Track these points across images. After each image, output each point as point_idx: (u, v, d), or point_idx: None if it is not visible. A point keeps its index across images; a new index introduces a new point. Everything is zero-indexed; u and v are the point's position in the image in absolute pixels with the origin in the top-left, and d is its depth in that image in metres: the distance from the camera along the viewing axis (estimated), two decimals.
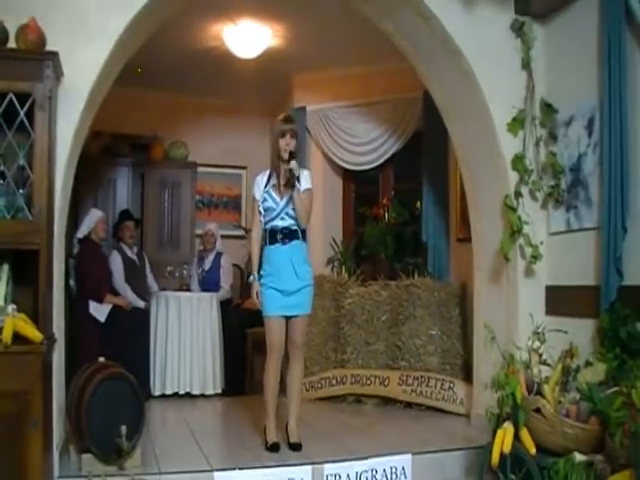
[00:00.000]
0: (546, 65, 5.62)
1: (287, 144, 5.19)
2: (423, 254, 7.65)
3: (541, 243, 5.44)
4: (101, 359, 4.98)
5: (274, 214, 5.20)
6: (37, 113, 4.07)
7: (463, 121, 5.98)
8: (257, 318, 5.34)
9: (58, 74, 4.37)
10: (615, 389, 4.12)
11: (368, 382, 7.00)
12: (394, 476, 4.95)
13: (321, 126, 8.79)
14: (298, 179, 5.17)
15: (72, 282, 7.35)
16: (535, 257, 5.41)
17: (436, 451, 5.18)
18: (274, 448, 5.10)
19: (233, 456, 5.07)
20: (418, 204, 8.07)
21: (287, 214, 5.20)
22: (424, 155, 7.71)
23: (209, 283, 8.34)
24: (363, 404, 7.08)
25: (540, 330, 4.65)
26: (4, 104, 4.02)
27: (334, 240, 8.55)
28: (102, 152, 9.00)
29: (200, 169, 9.70)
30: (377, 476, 4.91)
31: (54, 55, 4.18)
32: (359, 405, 7.08)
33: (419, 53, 5.94)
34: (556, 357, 4.60)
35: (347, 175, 9.06)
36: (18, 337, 3.83)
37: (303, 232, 5.28)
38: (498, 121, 5.57)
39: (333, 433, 5.82)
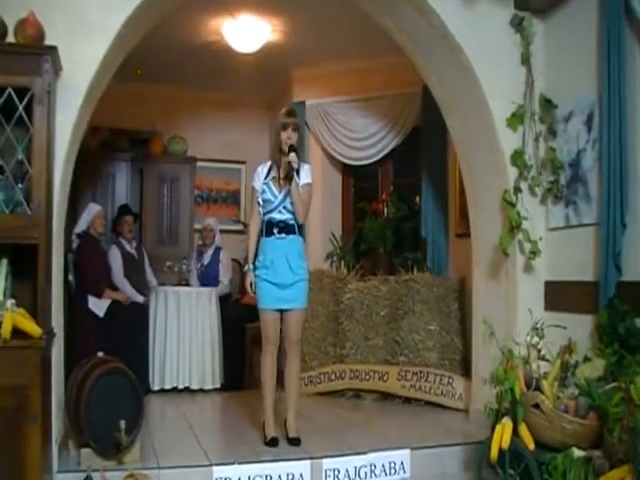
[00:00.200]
0: (545, 61, 5.62)
1: (289, 137, 5.18)
2: (422, 249, 7.65)
3: (540, 239, 5.44)
4: (100, 354, 4.98)
5: (272, 207, 5.21)
6: (36, 108, 4.06)
7: (462, 116, 5.98)
8: (256, 313, 5.33)
9: (57, 69, 4.37)
10: (614, 385, 4.12)
11: (367, 377, 7.00)
12: (393, 471, 4.96)
13: (320, 121, 8.79)
14: (297, 172, 5.17)
15: (71, 277, 7.35)
16: (534, 252, 5.41)
17: (435, 446, 5.19)
18: (273, 443, 5.11)
19: (232, 451, 5.07)
20: (417, 199, 8.07)
21: (285, 208, 5.20)
22: (423, 150, 7.70)
23: (208, 278, 8.34)
24: (362, 399, 7.08)
25: (539, 325, 4.64)
26: (3, 98, 4.01)
27: (333, 235, 8.55)
28: (101, 147, 9.00)
29: (199, 164, 9.69)
30: (376, 471, 4.93)
31: (53, 50, 4.17)
32: (358, 400, 7.09)
33: (418, 48, 5.94)
34: (555, 353, 4.60)
35: (346, 170, 9.06)
36: (17, 332, 3.83)
37: (300, 227, 5.28)
38: (497, 116, 5.57)
39: (332, 428, 5.82)
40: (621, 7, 4.74)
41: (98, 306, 7.28)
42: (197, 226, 9.17)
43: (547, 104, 5.50)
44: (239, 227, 9.32)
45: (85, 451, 4.54)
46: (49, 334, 4.20)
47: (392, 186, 8.70)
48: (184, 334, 7.67)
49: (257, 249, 5.29)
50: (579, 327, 4.93)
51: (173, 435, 5.61)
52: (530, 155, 5.55)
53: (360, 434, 5.59)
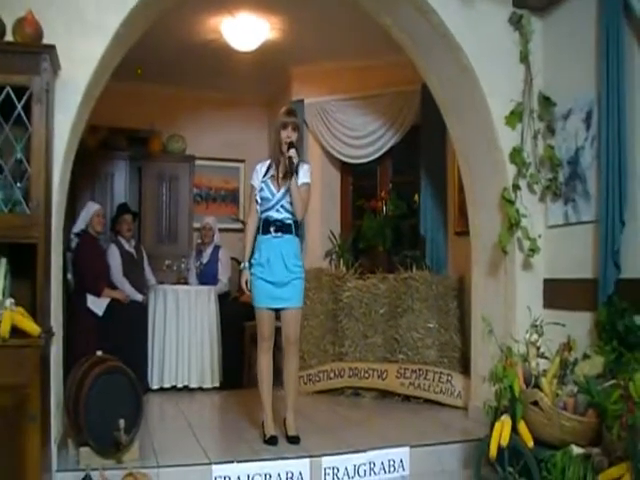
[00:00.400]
0: (544, 58, 5.62)
1: (288, 136, 5.18)
2: (421, 247, 7.64)
3: (539, 236, 5.45)
4: (99, 353, 4.98)
5: (269, 205, 5.21)
6: (34, 106, 4.06)
7: (461, 114, 5.98)
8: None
9: (55, 67, 4.36)
10: (612, 382, 4.12)
11: (366, 375, 7.01)
12: (392, 469, 4.97)
13: (319, 119, 8.78)
14: (296, 170, 5.17)
15: (70, 276, 7.34)
16: (533, 250, 5.42)
17: (434, 444, 5.19)
18: (272, 441, 5.11)
19: (231, 449, 5.07)
20: (416, 197, 8.08)
21: (282, 207, 5.20)
22: (422, 148, 7.69)
23: (207, 276, 8.34)
24: (361, 397, 7.09)
25: (538, 323, 4.65)
26: (1, 97, 4.01)
27: (332, 233, 8.55)
28: (100, 146, 9.00)
29: (198, 162, 9.69)
30: (375, 469, 4.94)
31: (51, 48, 4.17)
32: (357, 398, 7.09)
33: (418, 47, 5.94)
34: (554, 350, 4.60)
35: (345, 168, 9.06)
36: (16, 331, 3.82)
37: (297, 227, 5.28)
38: (496, 114, 5.57)
39: (331, 426, 5.82)
40: (620, 5, 4.74)
41: (97, 305, 7.28)
42: (196, 225, 9.17)
43: (546, 102, 5.51)
44: (238, 226, 9.31)
45: (84, 450, 4.54)
46: (48, 333, 4.20)
47: (391, 184, 8.70)
48: (183, 333, 7.67)
49: (253, 247, 5.29)
50: (578, 324, 4.94)
51: (172, 434, 5.61)
52: (529, 153, 5.55)
53: (359, 432, 5.60)
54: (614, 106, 4.75)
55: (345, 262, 7.81)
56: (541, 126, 5.56)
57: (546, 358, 4.63)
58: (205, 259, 8.46)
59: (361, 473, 4.90)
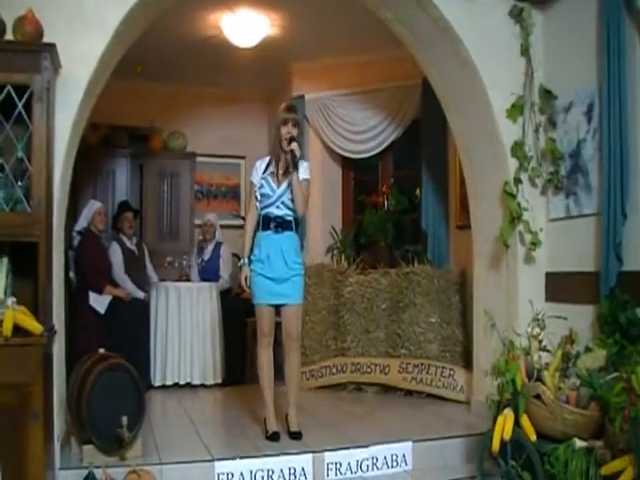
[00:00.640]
0: (545, 51, 5.61)
1: (288, 132, 5.18)
2: (423, 241, 7.65)
3: (541, 229, 5.45)
4: (101, 350, 4.98)
5: (269, 201, 5.21)
6: (35, 105, 4.06)
7: (462, 108, 5.97)
8: None
9: (56, 66, 4.36)
10: (615, 375, 4.12)
11: (368, 370, 7.01)
12: (395, 463, 4.97)
13: (320, 114, 8.78)
14: (296, 165, 5.16)
15: (72, 274, 7.35)
16: (535, 244, 5.42)
17: (436, 438, 5.19)
18: (274, 437, 5.11)
19: (233, 446, 5.07)
20: (417, 191, 8.07)
21: (283, 203, 5.20)
22: (423, 142, 7.69)
23: (209, 273, 8.34)
24: (363, 392, 7.09)
25: (540, 316, 4.65)
26: (2, 96, 4.00)
27: (333, 228, 8.56)
28: (101, 143, 9.00)
29: (199, 159, 9.71)
30: (378, 464, 4.94)
31: (51, 47, 4.16)
32: (359, 393, 7.10)
33: (418, 41, 5.93)
34: (556, 343, 4.60)
35: (346, 163, 9.06)
36: (18, 329, 3.83)
37: (297, 223, 5.28)
38: (497, 108, 5.56)
39: (333, 421, 5.83)
40: None
41: (99, 302, 7.28)
42: (197, 221, 9.19)
43: (547, 95, 5.50)
44: (239, 222, 9.29)
45: (87, 448, 4.55)
46: (50, 331, 4.20)
47: (392, 179, 8.70)
48: (185, 329, 7.67)
49: (253, 244, 5.29)
50: (580, 317, 4.93)
51: (175, 431, 5.62)
52: (530, 146, 5.54)
53: (362, 427, 5.60)
54: (615, 99, 4.74)
55: (347, 257, 7.82)
56: (542, 119, 5.55)
57: (548, 351, 4.62)
58: (207, 256, 8.45)
59: (364, 468, 4.91)
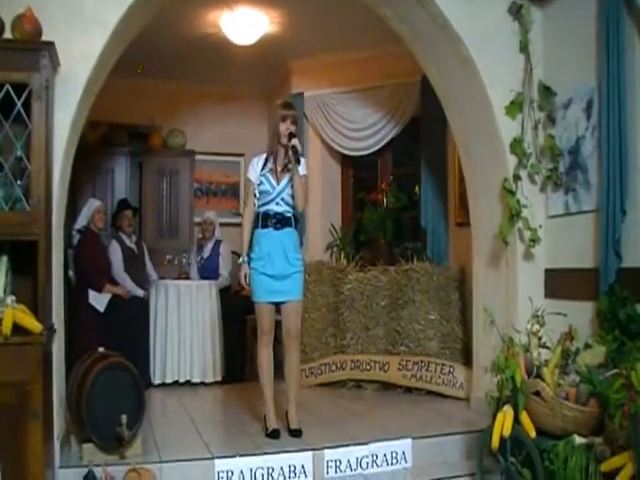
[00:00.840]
0: (544, 48, 5.61)
1: (287, 129, 5.18)
2: (422, 239, 7.64)
3: (540, 226, 5.44)
4: (101, 349, 4.98)
5: (269, 198, 5.20)
6: (34, 103, 4.06)
7: (462, 106, 5.97)
8: None
9: (55, 64, 4.36)
10: (614, 371, 4.12)
11: (368, 367, 7.01)
12: (394, 461, 4.98)
13: (319, 112, 8.77)
14: (298, 161, 5.16)
15: (71, 273, 7.36)
16: (534, 240, 5.41)
17: (436, 435, 5.20)
18: (274, 435, 5.12)
19: (233, 443, 5.07)
20: (417, 189, 8.07)
21: (282, 200, 5.20)
22: (422, 140, 7.69)
23: (208, 271, 8.35)
24: (363, 389, 7.10)
25: (539, 313, 4.65)
26: (1, 95, 4.01)
27: (333, 226, 8.55)
28: (100, 142, 9.00)
29: (198, 157, 9.72)
30: (377, 461, 4.95)
31: (50, 45, 4.16)
32: (359, 390, 7.10)
33: (417, 38, 5.93)
34: (555, 340, 4.61)
35: (345, 161, 9.05)
36: (18, 328, 3.83)
37: (296, 220, 5.29)
38: (496, 105, 5.56)
39: (333, 419, 5.83)
40: None
41: (99, 301, 7.29)
42: (197, 219, 9.19)
43: (546, 91, 5.49)
44: (239, 220, 9.27)
45: (87, 446, 4.55)
46: (50, 330, 4.20)
47: (391, 176, 8.70)
48: (185, 327, 7.67)
49: (251, 241, 5.29)
50: (579, 314, 4.93)
51: (175, 429, 5.62)
52: (529, 143, 5.54)
53: (361, 424, 5.61)
54: (614, 95, 4.73)
55: (346, 255, 7.82)
56: (541, 116, 5.55)
57: (548, 348, 4.63)
58: (206, 254, 8.46)
59: (363, 465, 4.92)
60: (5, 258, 4.17)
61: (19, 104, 4.04)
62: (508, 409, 4.27)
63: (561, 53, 5.44)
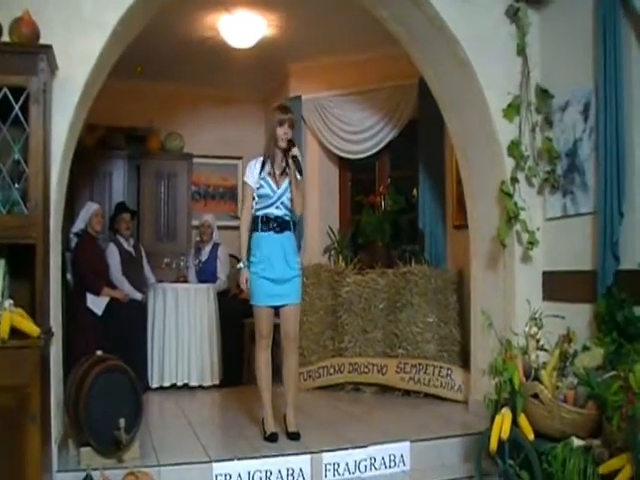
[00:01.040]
0: (541, 51, 5.62)
1: (285, 133, 5.18)
2: (420, 241, 7.64)
3: (537, 229, 5.44)
4: (99, 352, 4.98)
5: (269, 202, 5.20)
6: (32, 107, 4.07)
7: (459, 108, 5.97)
8: None
9: (52, 67, 4.36)
10: (612, 373, 4.12)
11: (366, 370, 7.01)
12: (393, 464, 4.97)
13: (316, 115, 8.77)
14: (300, 171, 5.16)
15: (69, 276, 7.35)
16: (532, 243, 5.41)
17: (434, 438, 5.19)
18: (272, 438, 5.11)
19: (231, 447, 5.07)
20: (414, 191, 8.06)
21: (282, 203, 5.20)
22: (420, 142, 7.69)
23: (206, 274, 8.34)
24: (361, 392, 7.10)
25: (537, 316, 4.65)
26: None
27: (331, 229, 8.54)
28: (98, 145, 8.99)
29: (196, 160, 9.72)
30: (376, 464, 4.94)
31: (48, 48, 4.17)
32: (357, 393, 7.10)
33: (414, 40, 5.93)
34: (553, 342, 4.61)
35: (343, 163, 9.06)
36: (15, 332, 3.83)
37: (294, 224, 5.31)
38: (494, 108, 5.56)
39: (331, 422, 5.83)
40: None
41: (96, 304, 7.28)
42: (195, 222, 9.19)
43: (543, 94, 5.50)
44: (237, 223, 9.25)
45: (85, 450, 4.54)
46: (47, 333, 4.20)
47: (389, 179, 8.69)
48: (182, 331, 7.66)
49: (250, 245, 5.29)
50: (577, 316, 4.93)
51: (173, 432, 5.62)
52: (527, 145, 5.54)
53: (360, 427, 5.60)
54: (612, 98, 4.74)
55: (344, 257, 7.81)
56: (539, 118, 5.55)
57: (546, 350, 4.63)
58: (204, 257, 8.46)
59: (362, 469, 4.91)
60: (3, 261, 4.17)
61: (17, 108, 4.04)
62: (506, 412, 4.27)
63: (558, 55, 5.45)
